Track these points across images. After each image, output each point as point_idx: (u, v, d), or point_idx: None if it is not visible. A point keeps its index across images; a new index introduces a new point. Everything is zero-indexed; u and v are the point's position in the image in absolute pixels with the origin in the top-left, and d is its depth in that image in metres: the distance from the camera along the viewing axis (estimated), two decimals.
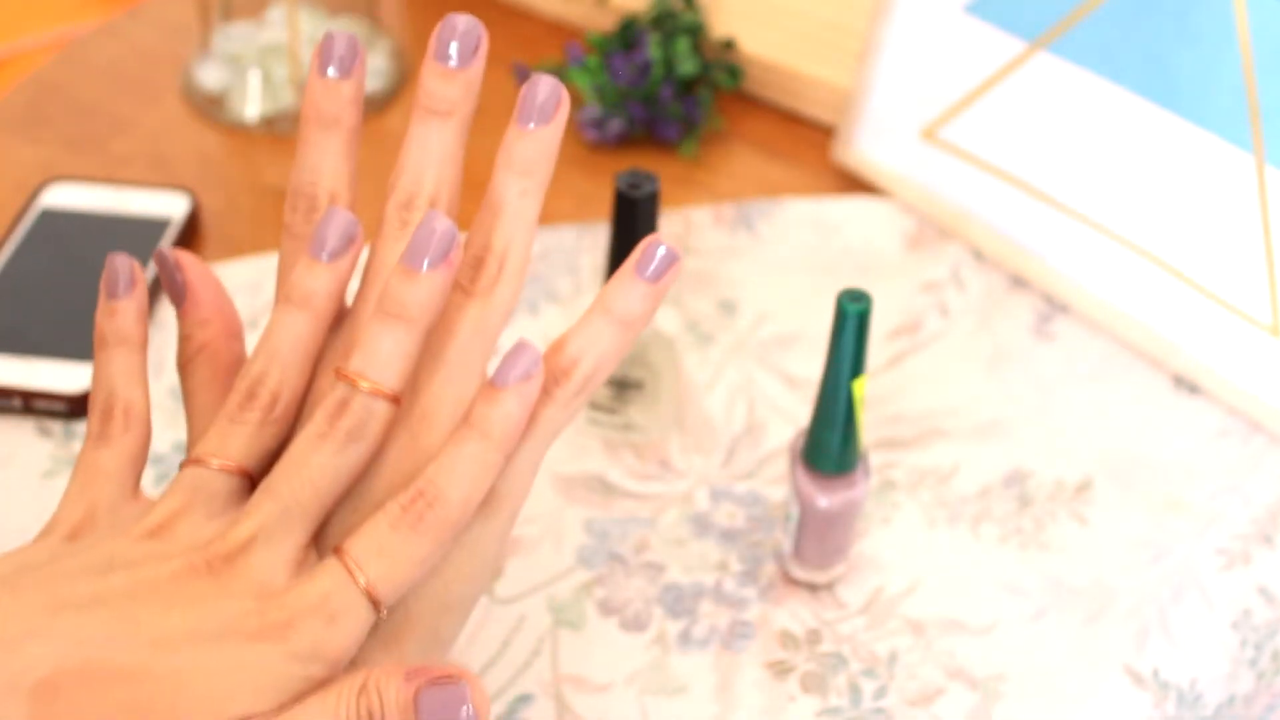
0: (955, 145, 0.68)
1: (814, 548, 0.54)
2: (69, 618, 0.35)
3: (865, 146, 0.72)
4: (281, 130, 0.75)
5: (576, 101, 0.77)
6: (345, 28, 0.77)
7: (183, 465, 0.39)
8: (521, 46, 0.82)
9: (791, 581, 0.55)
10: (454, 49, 0.41)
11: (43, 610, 0.35)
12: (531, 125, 0.41)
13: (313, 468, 0.37)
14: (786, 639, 0.54)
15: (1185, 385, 0.63)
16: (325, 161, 0.42)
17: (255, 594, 0.36)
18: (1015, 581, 0.56)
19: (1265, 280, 0.60)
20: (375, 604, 0.37)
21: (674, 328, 0.65)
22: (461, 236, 0.39)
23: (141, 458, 0.40)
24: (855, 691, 0.52)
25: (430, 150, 0.41)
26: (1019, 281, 0.67)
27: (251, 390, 0.39)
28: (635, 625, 0.54)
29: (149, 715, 0.34)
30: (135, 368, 0.41)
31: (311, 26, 0.76)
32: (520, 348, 0.39)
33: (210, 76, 0.77)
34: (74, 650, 0.34)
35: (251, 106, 0.75)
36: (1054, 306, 0.66)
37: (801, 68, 0.76)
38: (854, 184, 0.73)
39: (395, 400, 0.38)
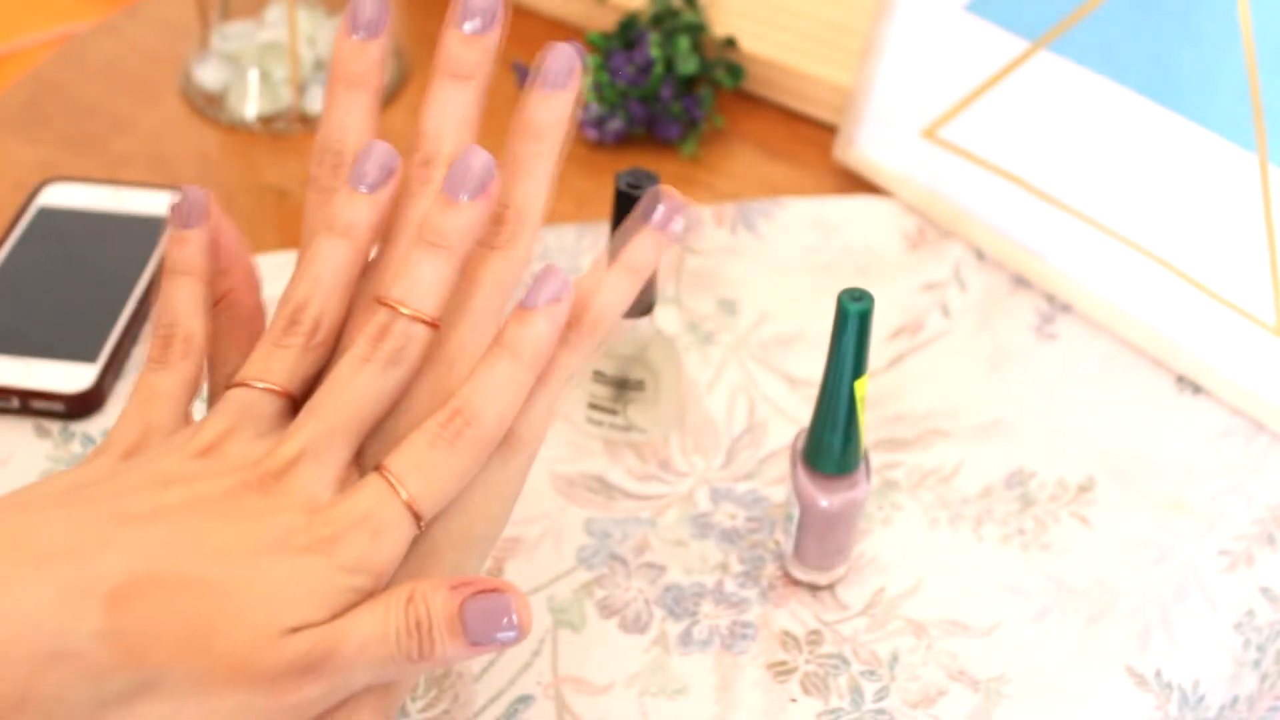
0: (956, 144, 0.68)
1: (815, 548, 0.54)
2: (134, 529, 0.36)
3: (866, 146, 0.72)
4: (280, 129, 0.75)
5: (577, 101, 0.77)
6: None
7: (228, 388, 0.40)
8: (521, 45, 0.81)
9: (792, 582, 0.55)
10: (475, 15, 0.43)
11: (109, 521, 0.36)
12: (547, 91, 0.43)
13: (356, 389, 0.39)
14: (787, 640, 0.53)
15: (1188, 385, 0.63)
16: (352, 119, 0.43)
17: (304, 509, 0.38)
18: (1017, 582, 0.56)
19: (1268, 280, 0.59)
20: (416, 518, 0.39)
21: (674, 328, 0.65)
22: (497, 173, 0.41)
23: (197, 384, 0.42)
24: (856, 693, 0.52)
25: (449, 112, 0.43)
26: (1021, 281, 0.67)
27: (294, 316, 0.41)
28: (635, 626, 0.54)
29: (212, 623, 0.36)
30: (198, 298, 0.42)
31: (310, 26, 0.76)
32: (549, 272, 0.41)
33: (209, 76, 0.76)
34: (142, 560, 0.36)
35: (250, 105, 0.75)
36: (1056, 306, 0.66)
37: (802, 67, 0.76)
38: (855, 183, 0.72)
39: (434, 325, 0.40)
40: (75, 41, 0.81)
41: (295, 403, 0.41)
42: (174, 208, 0.43)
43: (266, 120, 0.75)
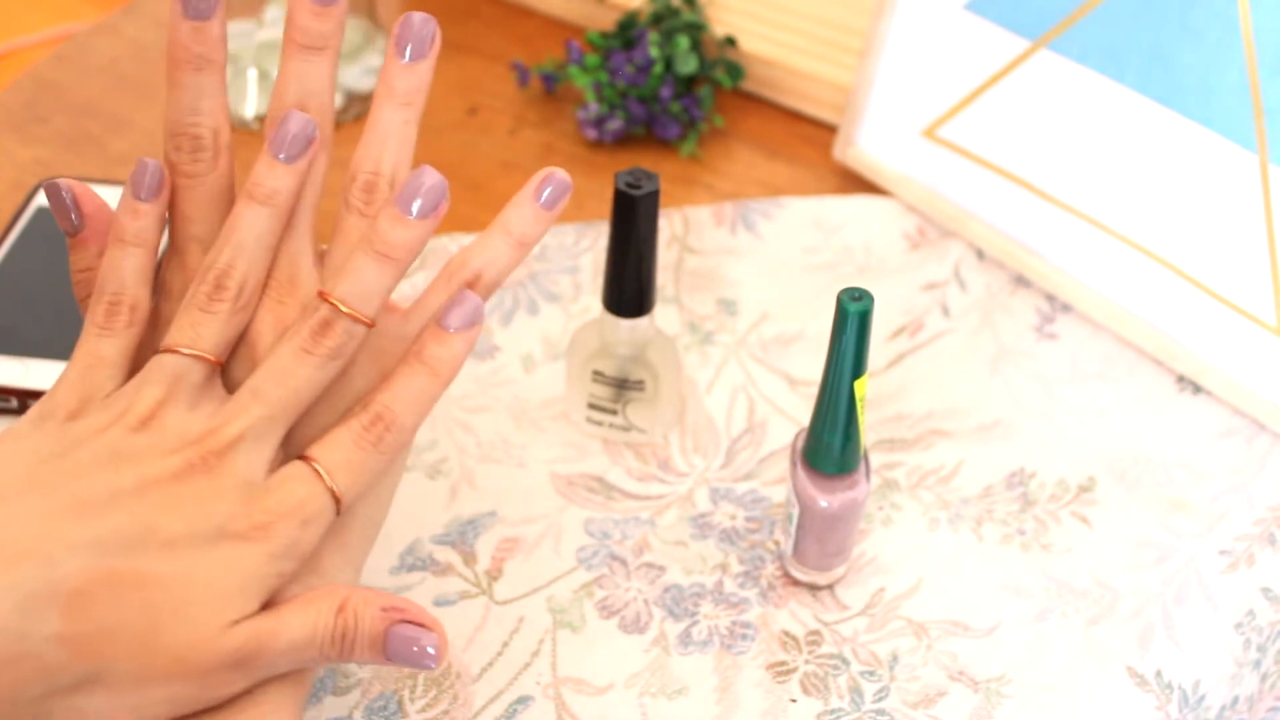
0: (957, 144, 0.68)
1: (815, 549, 0.53)
2: (92, 523, 0.38)
3: (866, 145, 0.72)
4: None
5: (576, 100, 0.77)
6: (345, 28, 0.76)
7: (157, 353, 0.42)
8: (521, 44, 0.81)
9: (792, 582, 0.55)
10: None
11: (67, 514, 0.38)
12: (408, 60, 0.45)
13: (298, 379, 0.42)
14: (787, 640, 0.53)
15: (1188, 385, 0.63)
16: (203, 101, 0.44)
17: (241, 493, 0.40)
18: (1017, 582, 0.55)
19: (1269, 280, 0.59)
20: (338, 507, 0.42)
21: (674, 328, 0.65)
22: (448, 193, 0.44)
23: (137, 350, 0.43)
24: (856, 693, 0.52)
25: (307, 82, 0.45)
26: (1021, 281, 0.67)
27: (219, 281, 0.42)
28: (635, 626, 0.54)
29: (159, 619, 0.38)
30: (148, 270, 0.44)
31: None
32: (465, 297, 0.44)
33: None
34: (99, 559, 0.38)
35: (249, 105, 0.75)
36: (1056, 306, 0.66)
37: (802, 66, 0.76)
38: (855, 183, 0.72)
39: (370, 325, 0.43)
40: (74, 41, 0.80)
41: (220, 367, 0.43)
42: (132, 178, 0.44)
43: (265, 120, 0.75)
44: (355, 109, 0.76)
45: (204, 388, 0.42)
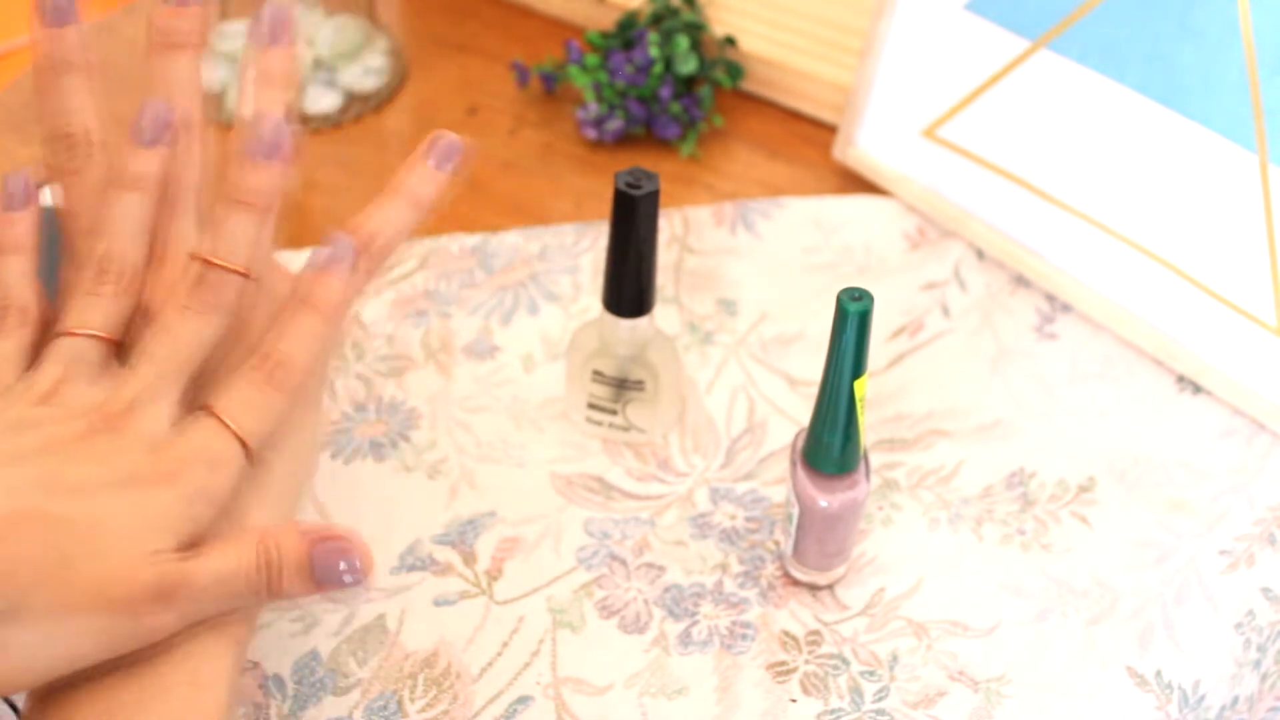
0: (957, 144, 0.68)
1: (815, 549, 0.53)
2: None
3: (866, 145, 0.71)
4: None
5: (576, 100, 0.77)
6: (344, 27, 0.76)
7: (53, 336, 0.44)
8: (521, 44, 0.81)
9: (792, 582, 0.55)
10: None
11: None
12: (271, 45, 0.48)
13: (182, 334, 0.43)
14: (787, 640, 0.53)
15: (1188, 385, 0.63)
16: (70, 100, 0.47)
17: (146, 447, 0.42)
18: (1017, 582, 0.55)
19: (1269, 280, 0.59)
20: (246, 450, 0.43)
21: (674, 328, 0.65)
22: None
23: (35, 346, 0.45)
24: (856, 693, 0.52)
25: (170, 78, 0.47)
26: (1021, 281, 0.67)
27: (102, 265, 0.44)
28: (635, 626, 0.54)
29: (72, 554, 0.39)
30: (30, 272, 0.46)
31: (309, 26, 0.76)
32: (334, 236, 0.46)
33: (208, 75, 0.76)
34: (6, 500, 0.39)
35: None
36: (1056, 306, 0.66)
37: (802, 66, 0.76)
38: (855, 183, 0.72)
39: (245, 275, 0.44)
40: None
41: (115, 345, 0.44)
42: (5, 192, 0.47)
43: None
44: (355, 109, 0.75)
45: (101, 365, 0.44)
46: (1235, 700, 0.51)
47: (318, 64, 0.76)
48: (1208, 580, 0.55)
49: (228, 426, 0.43)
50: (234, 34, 0.76)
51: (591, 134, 0.74)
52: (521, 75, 0.77)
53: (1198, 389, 0.62)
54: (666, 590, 0.55)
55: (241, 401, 0.43)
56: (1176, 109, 0.61)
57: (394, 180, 0.48)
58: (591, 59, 0.74)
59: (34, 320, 0.45)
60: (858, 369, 0.49)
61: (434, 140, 0.48)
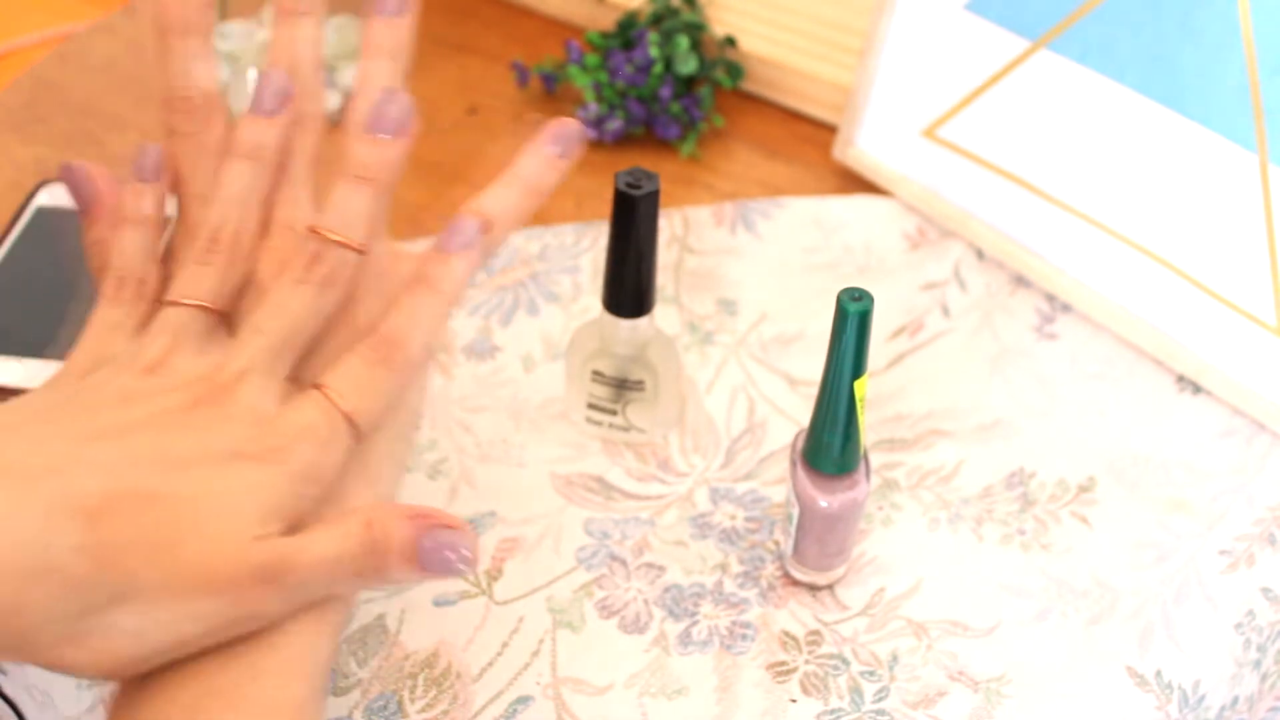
0: (956, 144, 0.68)
1: (815, 549, 0.53)
2: (104, 445, 0.39)
3: (866, 145, 0.71)
4: None
5: (576, 100, 0.77)
6: (344, 27, 0.76)
7: (162, 306, 0.43)
8: (521, 44, 0.81)
9: (792, 583, 0.55)
10: None
11: (79, 439, 0.39)
12: (388, 13, 0.47)
13: (294, 308, 0.43)
14: (787, 640, 0.53)
15: (1188, 385, 0.63)
16: (192, 64, 0.47)
17: (252, 420, 0.41)
18: (1017, 582, 0.55)
19: (1269, 280, 0.59)
20: (355, 430, 0.42)
21: (674, 328, 0.65)
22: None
23: (147, 320, 0.44)
24: (856, 693, 0.52)
25: (294, 44, 0.47)
26: (1021, 280, 0.67)
27: (214, 235, 0.44)
28: (635, 626, 0.54)
29: (179, 533, 0.38)
30: (152, 246, 0.45)
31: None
32: (462, 220, 0.45)
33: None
34: (114, 476, 0.38)
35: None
36: (1056, 306, 0.66)
37: (802, 66, 0.76)
38: (855, 183, 0.72)
39: (361, 251, 0.44)
40: (73, 41, 0.80)
41: (223, 317, 0.44)
42: (135, 163, 0.46)
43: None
44: None
45: (209, 336, 0.43)
46: (1235, 700, 0.51)
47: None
48: (1207, 580, 0.55)
49: (336, 405, 0.42)
50: (235, 34, 0.76)
51: (591, 134, 0.74)
52: (521, 75, 0.77)
53: (1198, 389, 0.62)
54: (666, 590, 0.55)
55: (353, 380, 0.42)
56: (1176, 109, 0.61)
57: (513, 165, 0.47)
58: (591, 59, 0.74)
59: (150, 294, 0.44)
60: (858, 369, 0.49)
61: (555, 126, 0.47)
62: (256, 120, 0.45)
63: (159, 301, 0.44)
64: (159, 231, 0.46)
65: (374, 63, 0.47)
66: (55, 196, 0.67)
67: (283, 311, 0.43)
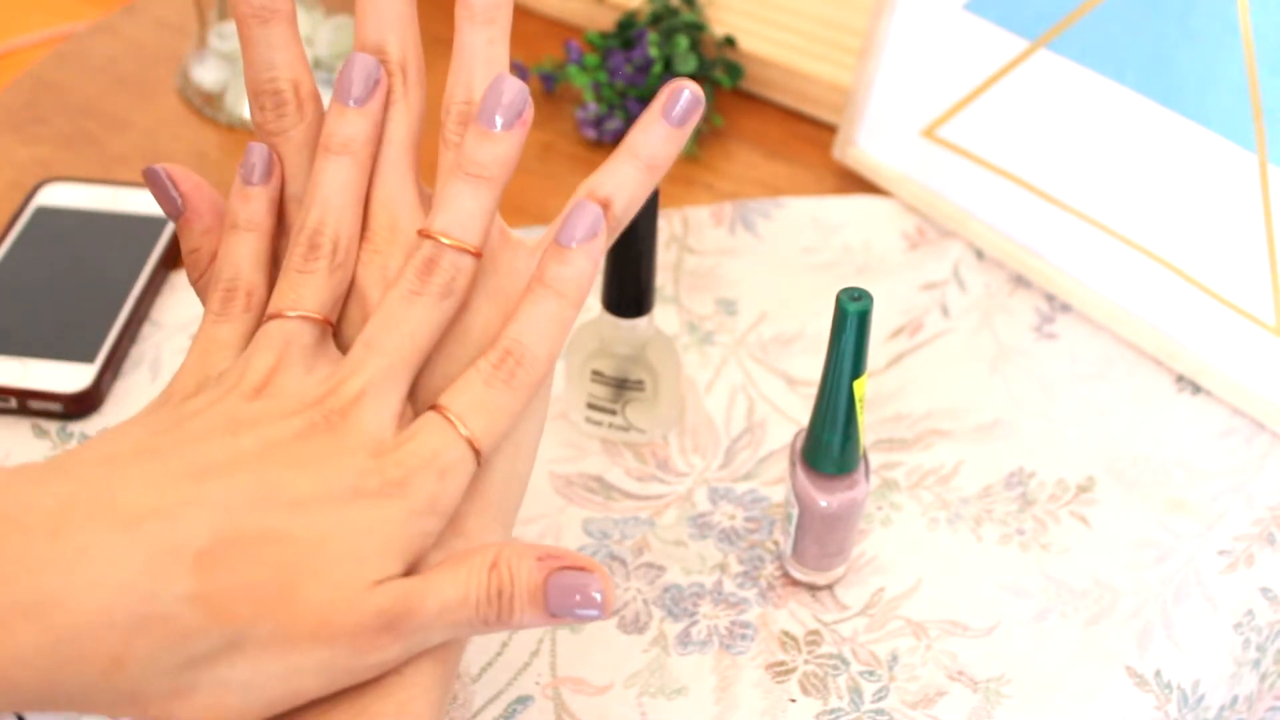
0: (956, 144, 0.68)
1: (814, 549, 0.53)
2: (215, 484, 0.36)
3: (865, 145, 0.71)
4: None
5: (575, 100, 0.77)
6: (343, 27, 0.76)
7: (265, 320, 0.40)
8: (521, 44, 0.81)
9: (791, 582, 0.55)
10: None
11: (188, 477, 0.36)
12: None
13: (411, 322, 0.39)
14: (786, 640, 0.53)
15: (1188, 385, 0.63)
16: (277, 54, 0.42)
17: (370, 449, 0.38)
18: (1017, 582, 0.55)
19: (1268, 279, 0.59)
20: (477, 456, 0.39)
21: (673, 328, 0.65)
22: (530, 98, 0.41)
23: (254, 334, 0.41)
24: (856, 693, 0.52)
25: (389, 18, 0.43)
26: (1020, 280, 0.67)
27: (313, 241, 0.41)
28: (634, 626, 0.54)
29: (295, 579, 0.36)
30: (262, 254, 0.42)
31: (309, 25, 0.76)
32: (582, 206, 0.41)
33: (207, 75, 0.76)
34: (225, 517, 0.35)
35: (248, 105, 0.75)
36: (1056, 306, 0.66)
37: (801, 66, 0.76)
38: (854, 183, 0.72)
39: (477, 255, 0.40)
40: (73, 41, 0.80)
41: (330, 327, 0.41)
42: (242, 164, 0.43)
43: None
44: None
45: (317, 349, 0.40)
46: (1234, 700, 0.51)
47: (317, 64, 0.76)
48: (1207, 580, 0.55)
49: (457, 429, 0.38)
50: (232, 34, 0.76)
51: (591, 134, 0.74)
52: (521, 75, 0.77)
53: (1197, 389, 0.62)
54: (666, 590, 0.55)
55: (475, 401, 0.39)
56: (1176, 109, 0.61)
57: (628, 139, 0.43)
58: (591, 59, 0.74)
59: (258, 304, 0.41)
60: (857, 369, 0.49)
61: (672, 93, 0.42)
62: (345, 111, 0.42)
63: (265, 316, 0.41)
64: (270, 238, 0.42)
65: (471, 31, 0.43)
66: (55, 196, 0.67)
67: (398, 326, 0.39)
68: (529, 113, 0.41)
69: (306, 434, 0.38)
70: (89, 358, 0.60)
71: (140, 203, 0.67)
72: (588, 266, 0.41)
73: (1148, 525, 0.57)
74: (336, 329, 0.41)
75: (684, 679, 0.52)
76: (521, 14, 0.84)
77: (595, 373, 0.58)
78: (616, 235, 0.43)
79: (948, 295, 0.66)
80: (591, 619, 0.38)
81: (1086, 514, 0.58)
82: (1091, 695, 0.52)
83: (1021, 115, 0.66)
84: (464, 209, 0.40)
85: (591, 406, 0.59)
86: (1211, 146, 0.60)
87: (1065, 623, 0.54)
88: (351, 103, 0.42)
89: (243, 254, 0.42)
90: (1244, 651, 0.53)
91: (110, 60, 0.79)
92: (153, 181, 0.43)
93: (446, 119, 0.43)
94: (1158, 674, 0.52)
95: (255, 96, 0.43)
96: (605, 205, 0.42)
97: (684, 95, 0.42)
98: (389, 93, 0.43)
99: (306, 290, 0.40)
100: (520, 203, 0.71)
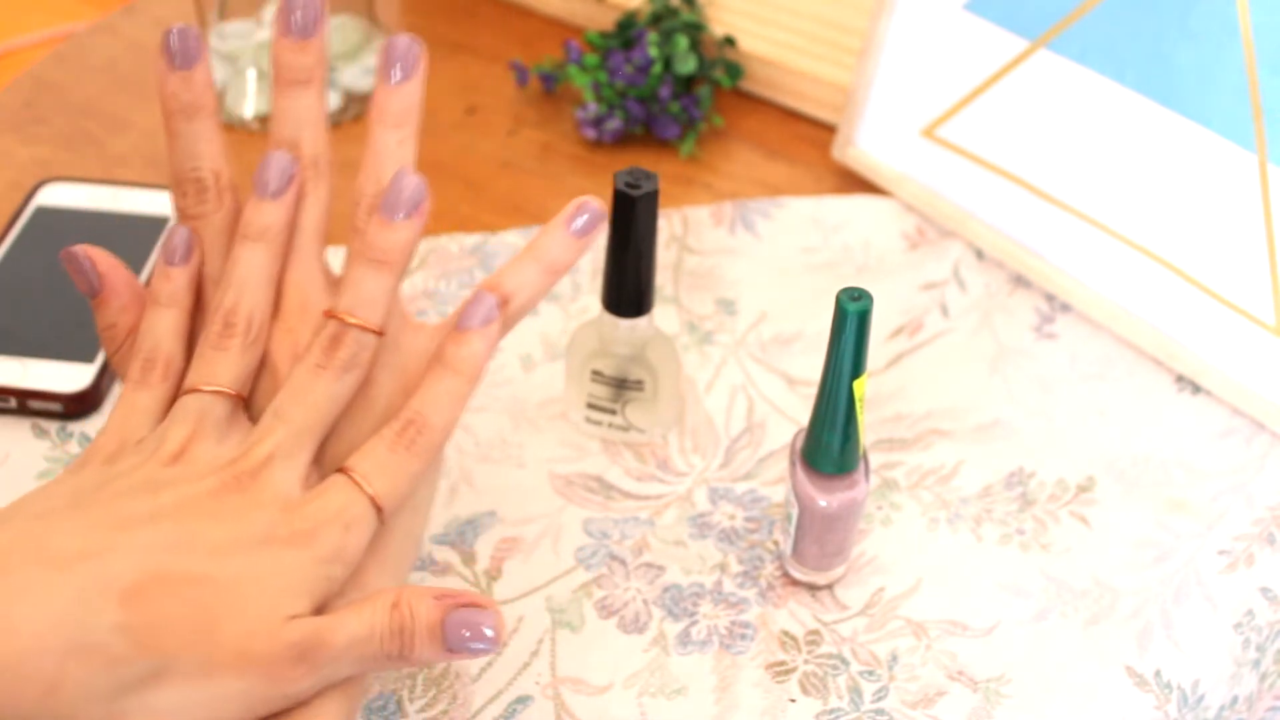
0: (956, 143, 0.68)
1: (814, 548, 0.53)
2: (137, 532, 0.39)
3: (865, 145, 0.71)
4: None
5: (575, 100, 0.77)
6: (343, 27, 0.76)
7: (182, 393, 0.44)
8: (520, 44, 0.81)
9: (791, 582, 0.55)
10: (299, 18, 0.46)
11: (113, 526, 0.39)
12: (397, 81, 0.46)
13: (316, 394, 0.43)
14: (786, 640, 0.53)
15: (1188, 385, 0.63)
16: (202, 146, 0.46)
17: (279, 506, 0.41)
18: (1017, 582, 0.55)
19: (1268, 279, 0.59)
20: (380, 513, 0.43)
21: (673, 328, 0.65)
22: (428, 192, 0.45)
23: (172, 401, 0.44)
24: (855, 693, 0.52)
25: (301, 116, 0.46)
26: (1020, 280, 0.67)
27: (228, 320, 0.44)
28: (634, 626, 0.54)
29: (215, 614, 0.39)
30: (181, 328, 0.45)
31: None
32: (481, 296, 0.45)
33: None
34: (147, 560, 0.39)
35: (249, 105, 0.75)
36: (1055, 306, 0.66)
37: (801, 66, 0.76)
38: (854, 183, 0.72)
39: (379, 333, 0.44)
40: (73, 41, 0.80)
41: (242, 400, 0.44)
42: (164, 246, 0.46)
43: (265, 120, 0.75)
44: (354, 109, 0.76)
45: (229, 421, 0.44)
46: (1234, 700, 0.51)
47: None
48: (1207, 580, 0.55)
49: (362, 489, 0.42)
50: (234, 34, 0.76)
51: (590, 134, 0.74)
52: (521, 75, 0.77)
53: (1197, 389, 0.62)
54: (666, 590, 0.55)
55: (378, 464, 0.43)
56: (1176, 109, 0.61)
57: (534, 242, 0.48)
58: (591, 59, 0.74)
59: (176, 373, 0.45)
60: (857, 369, 0.49)
61: (578, 206, 0.48)
62: (261, 203, 0.45)
63: (181, 390, 0.44)
64: (189, 314, 0.46)
65: (383, 132, 0.46)
66: (55, 196, 0.67)
67: (304, 397, 0.43)
68: (426, 205, 0.45)
69: (219, 492, 0.41)
70: (89, 358, 0.60)
71: (140, 203, 0.67)
72: (482, 349, 0.45)
73: (1148, 525, 0.57)
74: (249, 400, 0.45)
75: (684, 679, 0.52)
76: (521, 14, 0.84)
77: (595, 372, 0.58)
78: (511, 328, 0.47)
79: (947, 295, 0.67)
80: (485, 653, 0.42)
81: (1086, 514, 0.58)
82: (1091, 695, 0.52)
83: (1021, 115, 0.66)
84: (367, 291, 0.44)
85: (591, 406, 0.59)
86: (1211, 146, 0.60)
87: (1065, 623, 0.54)
88: (269, 195, 0.45)
89: (163, 328, 0.45)
90: (1244, 651, 0.53)
91: (110, 60, 0.79)
92: (70, 262, 0.46)
93: (357, 209, 0.46)
94: (1158, 674, 0.52)
95: (179, 184, 0.46)
96: (505, 300, 0.46)
97: (588, 210, 0.47)
98: (302, 185, 0.46)
99: (220, 366, 0.44)
100: (519, 202, 0.71)
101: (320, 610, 0.41)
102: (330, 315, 0.44)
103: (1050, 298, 0.66)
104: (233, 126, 0.75)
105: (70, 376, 0.59)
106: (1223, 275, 0.61)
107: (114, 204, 0.67)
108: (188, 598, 0.39)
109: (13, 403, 0.59)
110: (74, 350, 0.60)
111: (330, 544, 0.41)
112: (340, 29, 0.76)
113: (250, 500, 0.41)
